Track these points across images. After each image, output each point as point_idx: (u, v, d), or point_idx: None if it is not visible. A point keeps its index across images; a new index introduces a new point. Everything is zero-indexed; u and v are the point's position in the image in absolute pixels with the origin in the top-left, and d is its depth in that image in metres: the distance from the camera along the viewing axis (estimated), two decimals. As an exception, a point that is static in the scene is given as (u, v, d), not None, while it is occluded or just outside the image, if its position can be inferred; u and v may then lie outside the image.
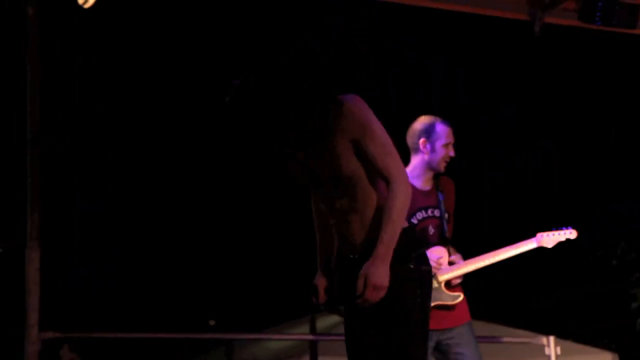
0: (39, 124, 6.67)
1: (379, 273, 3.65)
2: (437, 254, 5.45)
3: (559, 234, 5.40)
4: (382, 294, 3.67)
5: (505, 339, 8.26)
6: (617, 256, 8.43)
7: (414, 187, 5.43)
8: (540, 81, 8.89)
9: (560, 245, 5.42)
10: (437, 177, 5.61)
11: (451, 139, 5.54)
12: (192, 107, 7.55)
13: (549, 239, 5.39)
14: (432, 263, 5.30)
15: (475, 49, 8.51)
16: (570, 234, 5.39)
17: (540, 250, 5.48)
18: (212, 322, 7.40)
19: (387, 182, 3.78)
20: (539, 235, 5.47)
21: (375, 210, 3.81)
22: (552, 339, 7.79)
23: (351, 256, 3.88)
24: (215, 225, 7.70)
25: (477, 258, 5.50)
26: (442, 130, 5.53)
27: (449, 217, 5.56)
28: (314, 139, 3.80)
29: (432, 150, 5.53)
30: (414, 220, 5.53)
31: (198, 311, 7.61)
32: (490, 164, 8.68)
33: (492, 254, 5.50)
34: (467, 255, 5.54)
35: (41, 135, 6.69)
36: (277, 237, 7.80)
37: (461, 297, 5.47)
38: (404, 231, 3.80)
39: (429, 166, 5.55)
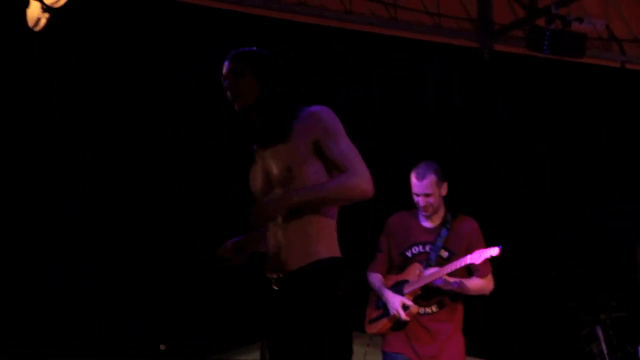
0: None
1: (276, 202, 3.63)
2: (410, 275, 5.62)
3: (486, 252, 5.46)
4: (269, 212, 3.64)
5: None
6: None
7: (417, 223, 5.69)
8: (533, 85, 8.93)
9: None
10: (452, 215, 5.73)
11: (417, 190, 5.65)
12: (170, 105, 7.49)
13: (478, 255, 5.47)
14: (392, 309, 5.56)
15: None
16: (493, 251, 5.44)
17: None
18: (163, 347, 7.32)
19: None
20: (473, 252, 5.53)
21: (323, 222, 3.73)
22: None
23: (275, 276, 3.77)
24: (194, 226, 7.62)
25: (428, 275, 5.55)
26: (411, 181, 5.68)
27: (450, 255, 5.62)
28: (277, 139, 3.78)
29: None
30: (408, 254, 5.69)
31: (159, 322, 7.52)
32: (483, 165, 8.69)
33: (440, 270, 5.54)
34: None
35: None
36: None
37: (436, 310, 5.60)
38: (341, 262, 3.73)
39: None
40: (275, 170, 3.76)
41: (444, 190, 5.71)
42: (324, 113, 3.76)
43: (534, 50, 8.29)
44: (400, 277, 5.69)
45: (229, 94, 3.86)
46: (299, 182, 3.70)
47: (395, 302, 5.57)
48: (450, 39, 8.66)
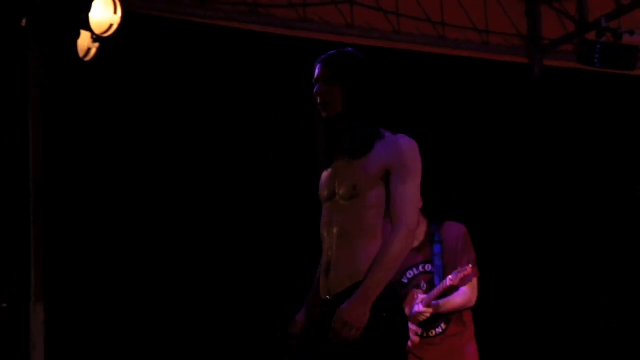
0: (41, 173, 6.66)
1: (354, 310, 3.50)
2: (408, 304, 5.36)
3: (460, 272, 5.16)
4: (354, 333, 3.50)
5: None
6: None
7: None
8: (585, 100, 8.85)
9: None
10: (435, 226, 5.40)
11: None
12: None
13: (454, 277, 5.17)
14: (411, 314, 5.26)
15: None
16: (465, 270, 5.14)
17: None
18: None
19: (394, 224, 3.64)
20: (452, 274, 5.29)
21: (370, 247, 3.66)
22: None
23: (327, 297, 3.74)
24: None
25: (429, 295, 5.28)
26: None
27: (445, 267, 5.32)
28: (355, 155, 3.73)
29: None
30: (404, 280, 5.39)
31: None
32: (536, 182, 8.63)
33: (434, 290, 5.26)
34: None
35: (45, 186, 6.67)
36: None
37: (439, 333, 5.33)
38: (390, 284, 3.66)
39: None
40: (342, 183, 3.75)
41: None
42: (408, 147, 3.70)
43: (584, 64, 8.22)
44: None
45: (318, 99, 3.80)
46: (361, 200, 3.68)
47: None
48: (499, 55, 8.62)
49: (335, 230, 3.75)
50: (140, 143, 7.30)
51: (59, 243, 6.87)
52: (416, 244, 5.31)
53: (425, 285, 5.36)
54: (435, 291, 5.26)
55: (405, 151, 3.68)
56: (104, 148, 7.18)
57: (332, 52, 3.84)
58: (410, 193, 3.67)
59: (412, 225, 3.66)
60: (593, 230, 8.67)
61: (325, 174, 3.89)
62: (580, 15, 8.48)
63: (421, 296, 5.30)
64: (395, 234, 3.62)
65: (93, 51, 6.61)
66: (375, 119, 3.75)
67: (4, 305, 6.67)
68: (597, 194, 8.79)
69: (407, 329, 3.78)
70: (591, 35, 8.21)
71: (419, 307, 5.26)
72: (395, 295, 3.74)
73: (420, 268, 5.38)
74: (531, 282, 8.01)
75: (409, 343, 5.18)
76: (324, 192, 3.85)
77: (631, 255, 8.75)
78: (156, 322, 7.21)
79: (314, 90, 3.79)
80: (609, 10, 8.16)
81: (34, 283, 6.63)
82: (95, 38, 6.58)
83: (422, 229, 5.38)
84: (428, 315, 5.27)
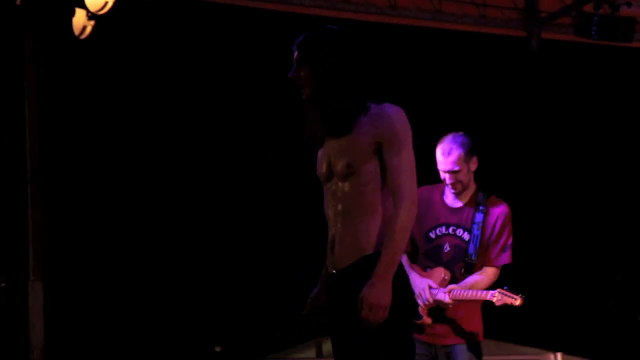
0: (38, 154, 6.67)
1: (376, 292, 3.52)
2: (434, 277, 5.25)
3: (507, 297, 4.99)
4: (382, 313, 3.52)
5: (513, 357, 8.22)
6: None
7: (441, 200, 5.24)
8: (583, 72, 8.82)
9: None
10: (482, 195, 5.23)
11: (442, 167, 5.14)
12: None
13: (500, 297, 5.01)
14: (419, 288, 5.12)
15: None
16: (516, 300, 4.99)
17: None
18: (218, 349, 7.33)
19: (395, 198, 3.65)
20: (497, 290, 5.18)
21: (372, 221, 3.69)
22: (559, 355, 7.76)
23: (333, 271, 3.76)
24: (210, 234, 7.65)
25: (461, 292, 5.13)
26: (437, 157, 5.19)
27: (480, 242, 5.14)
28: (336, 133, 3.73)
29: None
30: (432, 235, 5.23)
31: (196, 333, 7.54)
32: (534, 155, 8.62)
33: (469, 291, 5.07)
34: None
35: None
36: (281, 250, 7.73)
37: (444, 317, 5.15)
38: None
39: None
40: (336, 162, 3.74)
41: (473, 165, 5.16)
42: (395, 117, 3.68)
43: (582, 37, 8.20)
44: (424, 276, 5.21)
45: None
46: (357, 177, 3.68)
47: (422, 284, 5.12)
48: (496, 29, 8.59)
49: (338, 208, 3.75)
50: (137, 124, 7.31)
51: (57, 223, 6.89)
52: (458, 204, 5.22)
53: (448, 248, 5.20)
54: (470, 294, 5.10)
55: (393, 121, 3.67)
56: (101, 129, 7.19)
57: (305, 33, 3.85)
58: (405, 163, 3.66)
59: (413, 195, 3.65)
60: (588, 206, 8.67)
61: (319, 154, 3.90)
62: (577, -13, 8.45)
63: (451, 286, 5.13)
64: (398, 208, 3.62)
65: (88, 29, 6.60)
66: (354, 95, 3.74)
67: (3, 284, 6.69)
68: (593, 167, 8.78)
69: (414, 302, 3.79)
70: (588, 8, 8.18)
71: (445, 297, 5.10)
72: (402, 270, 3.71)
73: (450, 230, 5.22)
74: (527, 260, 8.03)
75: (425, 298, 5.10)
76: (322, 171, 3.86)
77: (628, 231, 8.76)
78: (154, 301, 7.25)
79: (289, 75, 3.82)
80: (606, -18, 8.13)
81: (32, 262, 6.65)
82: (90, 16, 6.56)
83: (470, 191, 5.23)
84: (450, 307, 5.13)
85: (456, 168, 5.11)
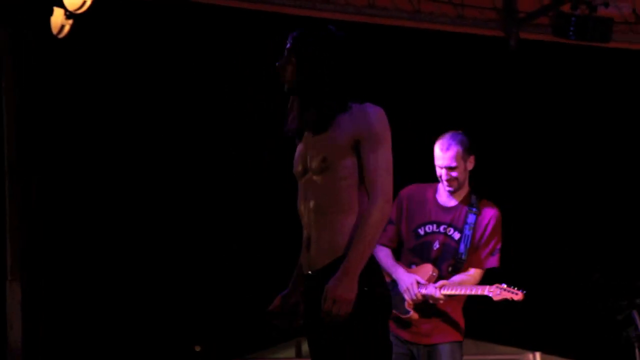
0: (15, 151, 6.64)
1: (342, 286, 3.51)
2: (421, 273, 5.25)
3: (507, 292, 5.04)
4: (345, 308, 3.51)
5: (492, 357, 8.25)
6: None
7: (433, 198, 5.28)
8: (561, 72, 8.84)
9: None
10: (475, 197, 5.27)
11: (439, 162, 5.19)
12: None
13: (499, 292, 5.05)
14: (406, 283, 5.14)
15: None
16: (517, 295, 5.03)
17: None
18: (197, 348, 7.32)
19: (369, 195, 3.64)
20: (494, 286, 5.21)
21: (347, 220, 3.67)
22: (538, 355, 7.78)
23: (309, 272, 3.74)
24: (193, 234, 7.64)
25: (452, 286, 5.10)
26: (434, 152, 5.24)
27: (470, 243, 5.19)
28: (315, 129, 3.74)
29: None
30: (421, 232, 5.26)
31: (175, 333, 7.53)
32: (514, 155, 8.64)
33: (462, 287, 5.10)
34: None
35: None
36: (261, 250, 7.72)
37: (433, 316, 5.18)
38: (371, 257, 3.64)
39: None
40: (312, 158, 3.74)
41: (470, 164, 5.23)
42: (375, 116, 3.69)
43: (559, 37, 8.23)
44: (412, 273, 5.21)
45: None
46: (332, 172, 3.68)
47: (410, 279, 5.13)
48: (475, 28, 8.62)
49: (311, 206, 3.74)
50: (117, 121, 7.29)
51: (35, 222, 6.86)
52: (451, 204, 5.26)
53: (437, 245, 5.23)
54: (464, 290, 5.12)
55: (373, 119, 3.68)
56: (80, 126, 7.16)
57: (302, 29, 3.86)
58: (382, 161, 3.67)
59: (388, 193, 3.66)
60: (564, 205, 8.70)
61: (297, 149, 3.90)
62: (555, -13, 8.49)
63: (441, 281, 5.14)
64: (371, 205, 3.63)
65: (67, 28, 6.58)
66: (336, 95, 3.75)
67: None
68: (571, 166, 8.82)
69: (389, 302, 3.76)
70: (566, 8, 8.21)
71: (436, 292, 5.11)
72: (377, 268, 3.74)
73: (442, 228, 5.25)
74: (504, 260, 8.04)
75: (413, 294, 5.11)
76: (297, 168, 3.86)
77: (606, 229, 8.80)
78: (133, 300, 7.23)
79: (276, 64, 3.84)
80: (583, -17, 8.17)
81: (10, 262, 6.61)
82: (69, 15, 6.54)
83: (464, 191, 5.28)
84: (441, 302, 5.16)
85: (453, 164, 5.17)
